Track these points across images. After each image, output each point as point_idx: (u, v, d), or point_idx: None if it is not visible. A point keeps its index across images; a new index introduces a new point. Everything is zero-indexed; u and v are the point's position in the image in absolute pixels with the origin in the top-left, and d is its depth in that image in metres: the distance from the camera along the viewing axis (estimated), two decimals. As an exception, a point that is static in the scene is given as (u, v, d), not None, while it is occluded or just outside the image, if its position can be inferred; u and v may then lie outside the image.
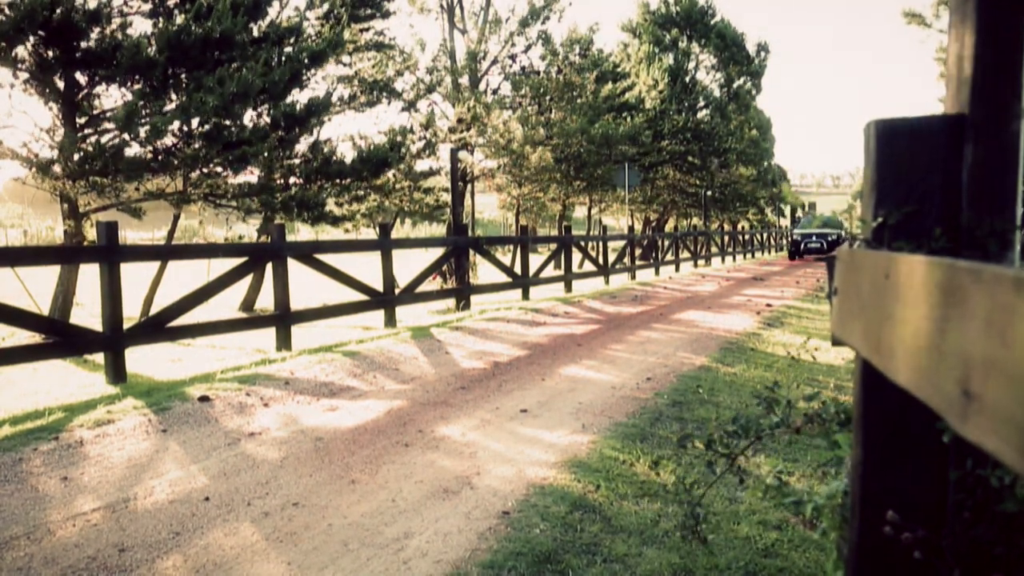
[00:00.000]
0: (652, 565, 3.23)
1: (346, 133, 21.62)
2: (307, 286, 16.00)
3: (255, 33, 11.06)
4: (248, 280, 13.36)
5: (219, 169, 11.14)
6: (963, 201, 1.38)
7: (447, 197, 17.89)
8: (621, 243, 22.17)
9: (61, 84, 9.75)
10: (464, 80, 21.94)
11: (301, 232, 40.08)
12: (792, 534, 3.52)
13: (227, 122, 10.40)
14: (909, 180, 1.42)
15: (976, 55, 1.37)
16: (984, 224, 1.33)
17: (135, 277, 12.33)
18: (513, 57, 22.75)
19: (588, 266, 20.82)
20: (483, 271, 20.05)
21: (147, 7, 10.46)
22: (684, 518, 2.76)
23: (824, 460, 2.13)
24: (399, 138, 14.33)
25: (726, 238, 34.15)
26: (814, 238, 30.13)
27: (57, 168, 9.42)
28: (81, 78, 9.87)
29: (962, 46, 1.41)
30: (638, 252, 23.75)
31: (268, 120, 11.49)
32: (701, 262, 28.89)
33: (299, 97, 12.15)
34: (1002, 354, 0.72)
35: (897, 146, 1.44)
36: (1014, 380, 0.69)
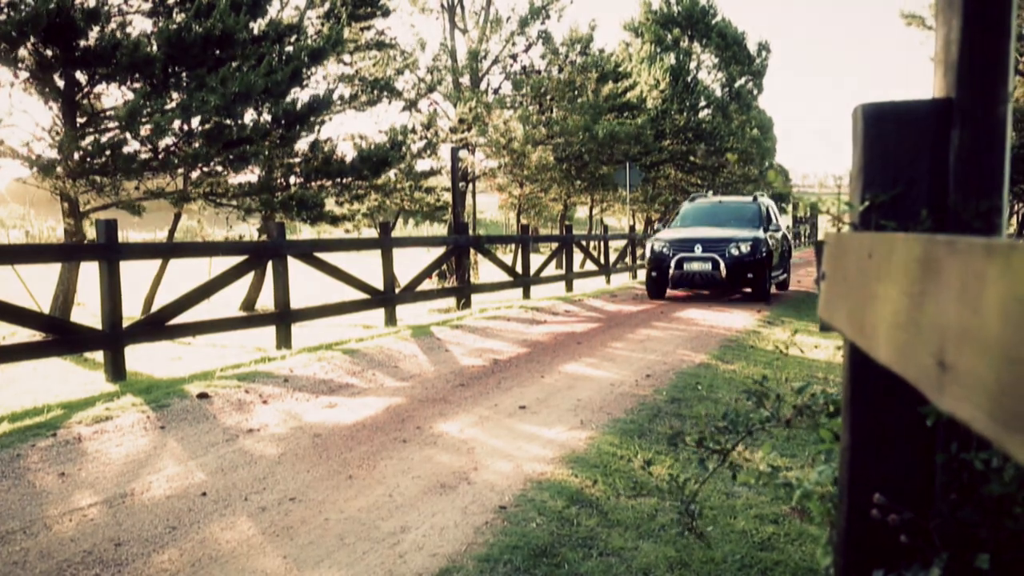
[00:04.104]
0: (648, 559, 3.22)
1: (347, 132, 21.70)
2: (307, 285, 16.01)
3: (255, 31, 11.08)
4: (249, 279, 13.37)
5: (219, 168, 11.16)
6: (950, 184, 1.38)
7: (448, 197, 17.91)
8: (622, 242, 22.15)
9: (61, 83, 9.77)
10: (465, 79, 21.97)
11: (303, 232, 40.13)
12: (788, 528, 3.51)
13: (228, 121, 10.41)
14: (896, 163, 1.42)
15: (963, 39, 1.37)
16: (970, 207, 1.32)
17: (136, 276, 12.34)
18: (514, 56, 22.77)
19: (589, 265, 20.82)
20: (484, 270, 20.07)
21: (147, 6, 10.48)
22: (679, 515, 2.76)
23: (818, 452, 2.13)
24: (400, 137, 14.34)
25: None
26: (699, 249, 13.70)
27: (58, 167, 9.44)
28: (81, 77, 9.89)
29: (949, 30, 1.40)
30: (640, 251, 23.73)
31: (268, 118, 11.50)
32: (702, 261, 28.80)
33: (300, 95, 12.17)
34: (974, 322, 0.71)
35: (884, 129, 1.43)
36: (986, 347, 0.69)
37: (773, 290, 15.55)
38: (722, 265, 13.38)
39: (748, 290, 14.00)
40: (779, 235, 15.15)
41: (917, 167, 1.41)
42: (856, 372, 1.42)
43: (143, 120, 9.50)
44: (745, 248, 13.47)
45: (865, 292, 1.15)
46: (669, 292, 14.89)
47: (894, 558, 1.37)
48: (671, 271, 13.73)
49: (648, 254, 14.49)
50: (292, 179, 13.13)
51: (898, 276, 0.96)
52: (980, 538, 1.26)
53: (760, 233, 13.97)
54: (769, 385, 2.21)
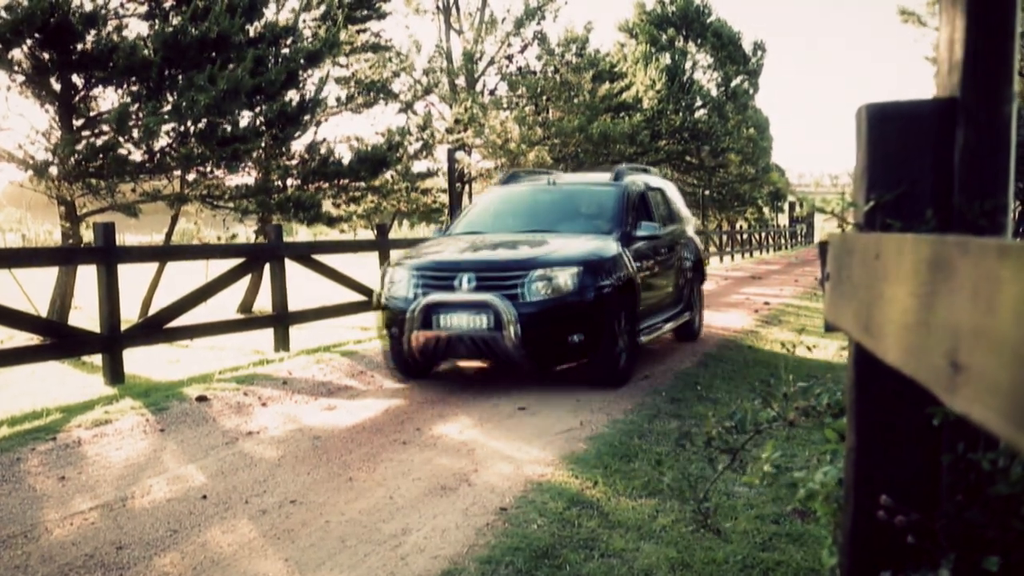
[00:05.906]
0: (650, 559, 3.22)
1: (344, 134, 21.74)
2: (305, 287, 15.98)
3: (251, 34, 11.07)
4: (246, 282, 13.35)
5: (215, 169, 11.15)
6: (955, 184, 1.38)
7: (445, 198, 17.91)
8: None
9: (58, 86, 9.75)
10: (461, 81, 21.98)
11: (300, 234, 40.11)
12: (790, 528, 3.51)
13: (221, 121, 10.40)
14: (900, 164, 1.42)
15: (967, 38, 1.37)
16: (975, 206, 1.32)
17: (134, 279, 12.31)
18: (509, 57, 22.78)
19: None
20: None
21: (143, 9, 10.47)
22: (693, 513, 2.75)
23: (821, 451, 2.13)
24: (396, 138, 14.34)
25: (724, 237, 34.13)
26: (467, 284, 6.30)
27: (54, 170, 9.42)
28: (78, 80, 9.87)
29: (953, 29, 1.40)
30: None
31: (263, 119, 11.49)
32: (699, 261, 28.74)
33: (294, 96, 12.16)
34: (988, 323, 0.71)
35: (888, 130, 1.43)
36: (999, 348, 0.69)
37: (669, 338, 8.91)
38: (509, 319, 6.13)
39: (584, 362, 6.62)
40: (665, 240, 8.23)
41: (921, 167, 1.41)
42: (861, 372, 1.42)
43: (136, 123, 9.49)
44: (566, 280, 6.32)
45: (872, 293, 1.15)
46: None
47: (901, 559, 1.36)
48: (412, 331, 6.40)
49: (381, 291, 7.02)
50: (289, 181, 13.12)
51: (907, 277, 0.96)
52: (987, 539, 1.26)
53: (609, 244, 6.96)
54: (776, 385, 2.21)
